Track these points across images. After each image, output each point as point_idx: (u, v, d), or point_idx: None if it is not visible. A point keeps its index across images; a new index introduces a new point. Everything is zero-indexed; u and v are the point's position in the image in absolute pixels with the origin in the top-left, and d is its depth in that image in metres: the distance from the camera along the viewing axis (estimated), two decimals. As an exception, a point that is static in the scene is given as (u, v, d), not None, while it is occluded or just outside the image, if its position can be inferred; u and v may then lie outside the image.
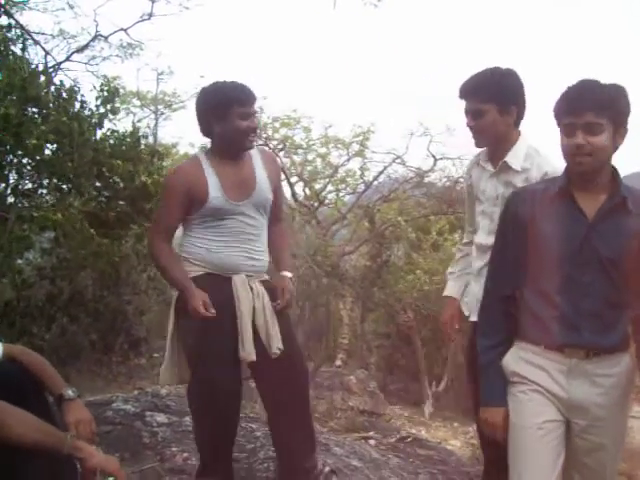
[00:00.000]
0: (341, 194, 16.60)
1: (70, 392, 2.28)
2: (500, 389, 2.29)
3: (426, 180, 14.92)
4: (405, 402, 10.08)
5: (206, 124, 2.99)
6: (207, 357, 2.90)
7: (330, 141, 15.86)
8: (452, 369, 10.82)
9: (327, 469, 3.37)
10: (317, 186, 16.47)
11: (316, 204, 15.23)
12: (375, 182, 14.67)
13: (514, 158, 2.81)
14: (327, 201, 16.22)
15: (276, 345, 2.98)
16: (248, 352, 2.91)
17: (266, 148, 3.32)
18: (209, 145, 3.10)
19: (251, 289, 2.97)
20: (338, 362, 12.19)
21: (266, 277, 3.12)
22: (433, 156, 14.96)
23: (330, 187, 16.69)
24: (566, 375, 2.19)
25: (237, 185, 2.97)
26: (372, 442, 5.06)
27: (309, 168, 16.80)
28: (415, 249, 11.75)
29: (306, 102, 42.60)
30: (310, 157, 16.70)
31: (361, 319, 13.11)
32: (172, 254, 3.01)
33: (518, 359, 2.27)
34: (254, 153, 3.09)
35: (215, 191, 2.91)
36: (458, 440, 7.84)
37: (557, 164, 2.58)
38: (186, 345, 2.99)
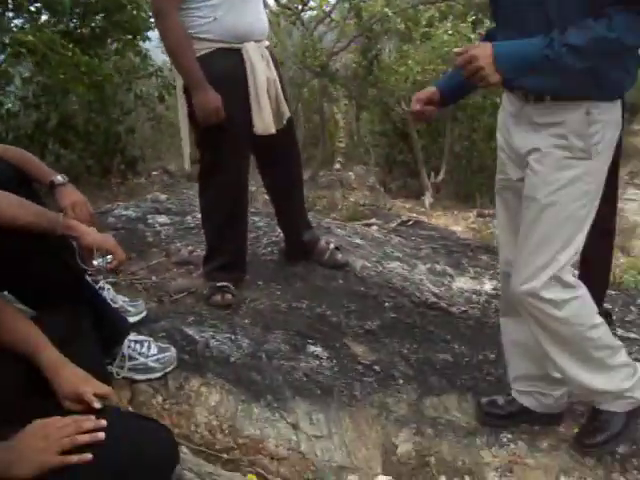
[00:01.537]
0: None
1: (60, 177, 2.25)
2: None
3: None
4: (405, 196, 10.20)
5: None
6: (220, 138, 2.84)
7: None
8: (450, 159, 10.86)
9: (332, 245, 3.47)
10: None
11: (300, 7, 14.57)
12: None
13: None
14: (311, 3, 15.52)
15: (287, 115, 3.01)
16: (268, 124, 2.87)
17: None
18: None
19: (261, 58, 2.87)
20: (337, 166, 12.21)
21: (267, 43, 2.99)
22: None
23: (314, -13, 15.91)
24: (513, 119, 2.12)
25: None
26: (374, 228, 5.14)
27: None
28: (405, 41, 11.36)
29: None
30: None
31: (356, 118, 12.97)
32: (185, 31, 2.71)
33: (501, 108, 2.24)
34: None
35: None
36: (459, 226, 7.99)
37: None
38: (198, 127, 2.88)
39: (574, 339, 2.12)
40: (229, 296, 3.01)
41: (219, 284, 3.02)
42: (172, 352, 2.38)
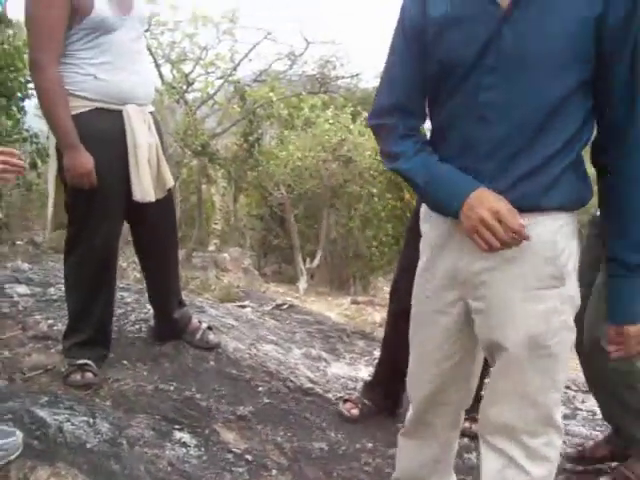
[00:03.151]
0: (211, 79, 16.09)
1: None
2: None
3: (299, 63, 14.67)
4: (280, 281, 10.16)
5: None
6: (89, 207, 2.67)
7: (198, 19, 15.12)
8: (325, 245, 10.98)
9: (204, 325, 3.31)
10: (186, 69, 15.83)
11: (185, 87, 14.66)
12: (245, 59, 14.22)
13: None
14: (197, 84, 15.67)
15: (169, 184, 2.87)
16: (147, 191, 2.72)
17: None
18: None
19: (143, 122, 2.74)
20: (212, 247, 12.07)
21: (152, 108, 2.87)
22: (305, 39, 14.66)
23: (199, 70, 16.10)
24: (448, 237, 1.71)
25: None
26: (248, 310, 5.00)
27: (177, 50, 16.06)
28: (287, 127, 11.60)
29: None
30: (178, 38, 15.94)
31: (234, 201, 12.96)
32: (62, 86, 2.55)
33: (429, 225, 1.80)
34: None
35: (100, 0, 2.56)
36: (333, 312, 7.98)
37: None
38: (68, 189, 2.70)
39: None
40: (90, 375, 2.76)
41: (79, 362, 2.77)
42: (17, 437, 2.11)
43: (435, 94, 1.65)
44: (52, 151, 2.73)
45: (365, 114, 10.49)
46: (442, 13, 1.57)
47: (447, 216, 1.62)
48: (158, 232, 2.97)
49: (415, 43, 1.63)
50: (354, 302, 8.47)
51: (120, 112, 2.67)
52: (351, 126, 10.26)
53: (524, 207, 1.55)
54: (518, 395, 1.70)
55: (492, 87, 1.53)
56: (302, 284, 9.40)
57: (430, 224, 1.76)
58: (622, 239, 1.60)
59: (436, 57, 1.60)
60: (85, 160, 2.56)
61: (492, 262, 1.61)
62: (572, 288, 1.66)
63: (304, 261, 10.37)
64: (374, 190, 10.53)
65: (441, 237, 1.71)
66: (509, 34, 1.49)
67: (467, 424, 2.88)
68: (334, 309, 8.35)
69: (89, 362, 2.79)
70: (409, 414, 2.03)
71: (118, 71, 2.64)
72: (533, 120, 1.53)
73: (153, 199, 2.76)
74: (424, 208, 1.81)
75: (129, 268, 6.05)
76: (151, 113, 2.83)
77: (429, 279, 1.79)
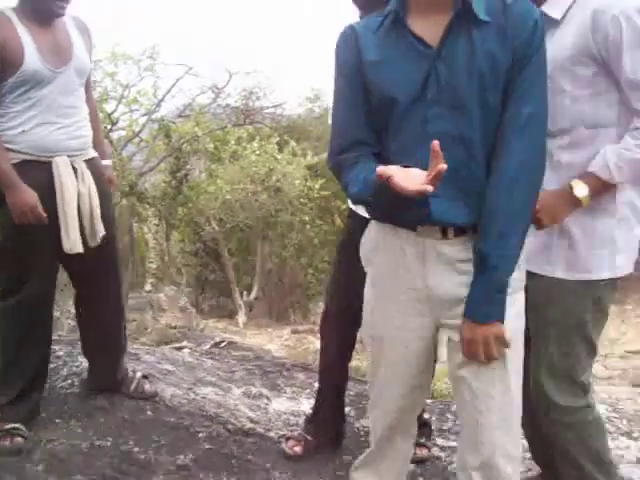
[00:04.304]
0: (135, 116, 15.92)
1: None
2: None
3: (222, 95, 14.67)
4: (218, 316, 10.05)
5: None
6: (20, 256, 2.63)
7: (117, 57, 14.95)
8: (261, 277, 10.93)
9: (139, 374, 3.23)
10: (108, 108, 15.61)
11: (109, 126, 14.46)
12: (169, 95, 14.13)
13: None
14: (121, 123, 15.48)
15: (100, 233, 2.80)
16: (73, 242, 2.66)
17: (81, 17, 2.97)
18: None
19: (75, 171, 2.69)
20: (148, 287, 11.89)
21: (92, 154, 2.83)
22: (228, 71, 14.68)
23: (123, 108, 15.90)
24: (416, 258, 1.73)
25: (53, 49, 2.62)
26: (186, 351, 4.93)
27: (98, 89, 15.84)
28: (214, 161, 11.56)
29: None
30: (98, 77, 15.73)
31: (166, 238, 12.80)
32: None
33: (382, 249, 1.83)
34: (68, 21, 2.75)
35: (31, 53, 2.53)
36: (274, 344, 7.94)
37: None
38: None
39: None
40: (19, 439, 2.65)
41: (7, 426, 2.66)
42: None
43: (383, 126, 1.71)
44: None
45: (292, 143, 10.56)
46: (377, 57, 1.68)
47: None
48: (96, 281, 2.91)
49: (355, 82, 1.73)
50: (294, 332, 8.45)
51: (50, 164, 2.64)
52: (278, 156, 10.31)
53: None
54: (505, 403, 1.74)
55: (438, 118, 1.63)
56: (241, 318, 9.33)
57: (381, 251, 1.81)
58: (484, 234, 1.66)
59: (377, 94, 1.69)
60: (27, 196, 2.54)
61: (463, 278, 1.69)
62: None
63: (242, 294, 10.32)
64: (306, 217, 10.60)
65: (395, 258, 1.76)
66: (443, 69, 1.62)
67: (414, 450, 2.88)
68: (275, 341, 8.31)
69: (18, 425, 2.68)
70: (371, 446, 2.05)
71: (45, 126, 2.62)
72: (479, 144, 1.64)
73: (81, 250, 2.70)
74: (370, 237, 1.86)
75: (62, 317, 5.88)
76: (90, 160, 2.80)
77: (391, 308, 1.81)
